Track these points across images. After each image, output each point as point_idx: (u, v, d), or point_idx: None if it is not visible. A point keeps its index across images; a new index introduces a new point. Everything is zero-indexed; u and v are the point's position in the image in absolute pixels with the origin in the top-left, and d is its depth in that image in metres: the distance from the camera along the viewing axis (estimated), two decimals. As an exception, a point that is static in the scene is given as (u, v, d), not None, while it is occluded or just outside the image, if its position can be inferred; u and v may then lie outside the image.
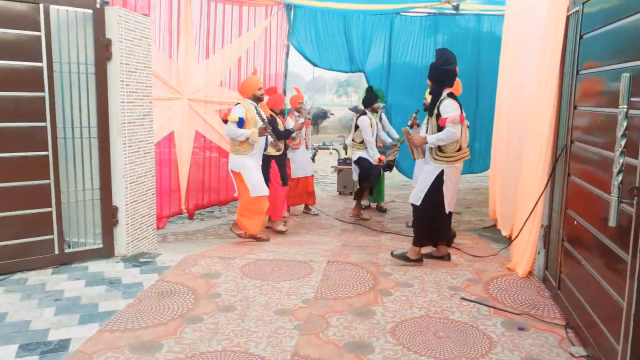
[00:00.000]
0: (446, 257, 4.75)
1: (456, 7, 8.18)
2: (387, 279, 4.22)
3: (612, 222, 2.23)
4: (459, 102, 4.45)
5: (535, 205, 4.05)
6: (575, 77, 3.50)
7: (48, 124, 4.24)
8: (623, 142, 2.19)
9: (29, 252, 4.27)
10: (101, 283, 4.06)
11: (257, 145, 5.33)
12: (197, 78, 6.71)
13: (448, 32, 8.44)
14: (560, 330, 3.27)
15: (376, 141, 6.68)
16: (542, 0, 4.26)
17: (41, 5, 4.11)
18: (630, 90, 2.18)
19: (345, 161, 8.55)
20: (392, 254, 4.67)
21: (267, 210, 5.65)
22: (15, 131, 4.14)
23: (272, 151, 5.73)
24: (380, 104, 6.91)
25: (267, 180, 5.69)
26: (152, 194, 5.13)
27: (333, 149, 11.46)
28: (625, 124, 2.19)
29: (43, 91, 4.19)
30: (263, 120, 5.38)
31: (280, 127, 6.06)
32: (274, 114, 6.04)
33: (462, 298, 3.81)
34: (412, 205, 4.67)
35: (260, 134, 5.29)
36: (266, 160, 5.71)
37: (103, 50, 4.45)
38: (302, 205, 7.33)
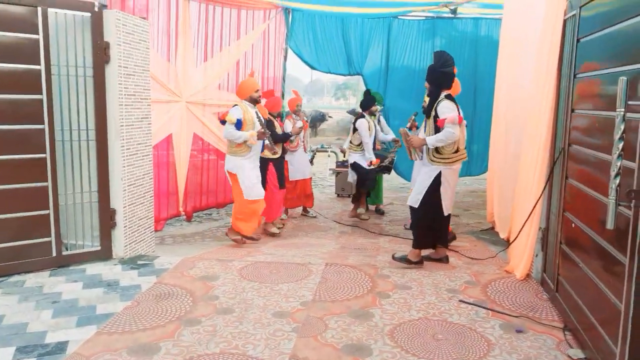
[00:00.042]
0: (444, 260, 4.75)
1: (454, 11, 8.21)
2: (385, 282, 4.22)
3: (609, 225, 2.23)
4: (456, 104, 4.46)
5: (534, 208, 4.06)
6: (573, 80, 3.51)
7: (46, 126, 4.24)
8: (620, 145, 2.20)
9: (27, 255, 4.26)
10: (99, 285, 4.05)
11: (254, 147, 5.33)
12: (195, 81, 6.71)
13: (446, 36, 8.47)
14: (558, 332, 3.28)
15: (375, 144, 6.70)
16: (539, 4, 4.27)
17: (39, 9, 4.11)
18: (628, 94, 2.19)
19: (343, 164, 8.56)
20: (393, 257, 4.68)
21: (263, 211, 5.64)
22: (13, 134, 4.13)
23: (268, 154, 5.74)
24: (378, 107, 6.93)
25: (264, 182, 5.69)
26: (150, 197, 5.13)
27: (331, 151, 11.47)
28: (622, 127, 2.20)
29: (41, 94, 4.19)
30: (261, 122, 5.39)
31: (278, 130, 6.06)
32: (271, 117, 6.04)
33: (460, 300, 3.81)
34: (411, 207, 4.68)
35: (259, 138, 5.30)
36: (264, 162, 5.72)
37: (101, 53, 4.45)
38: (300, 208, 7.33)
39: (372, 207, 7.53)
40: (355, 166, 6.70)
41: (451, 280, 4.28)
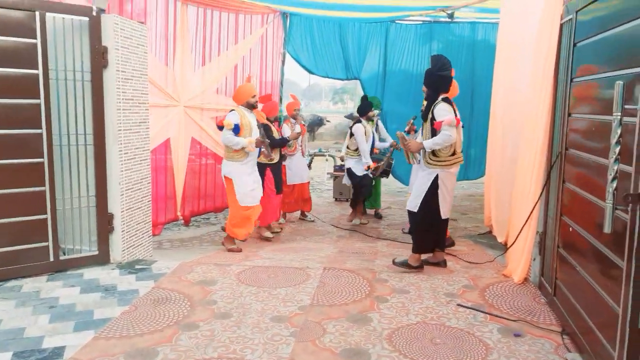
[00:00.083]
0: (442, 264, 4.75)
1: (451, 15, 8.25)
2: (383, 286, 4.22)
3: (607, 229, 2.24)
4: (453, 106, 4.46)
5: (531, 212, 4.06)
6: (569, 84, 3.52)
7: (44, 131, 4.23)
8: (617, 149, 2.21)
9: (24, 259, 4.25)
10: (96, 290, 4.04)
11: (252, 153, 5.33)
12: (193, 85, 6.72)
13: (443, 40, 8.50)
14: (556, 336, 3.28)
15: (372, 149, 6.69)
16: (536, 8, 4.29)
17: (37, 13, 4.11)
18: (624, 98, 2.20)
19: (340, 168, 8.56)
20: (393, 262, 4.67)
21: (258, 215, 5.64)
22: (11, 138, 4.13)
23: (263, 159, 5.74)
24: (375, 112, 6.94)
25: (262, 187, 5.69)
26: (148, 201, 5.12)
27: (329, 155, 11.48)
28: (619, 131, 2.21)
29: (39, 98, 4.19)
30: (260, 128, 5.39)
31: (276, 135, 6.07)
32: (268, 122, 6.05)
33: (458, 304, 3.81)
34: (409, 212, 4.68)
35: (257, 146, 5.30)
36: (261, 167, 5.72)
37: (99, 58, 4.45)
38: (298, 212, 7.33)
39: (370, 212, 7.53)
40: (350, 173, 6.71)
41: (449, 284, 4.28)
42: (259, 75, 7.91)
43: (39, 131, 4.22)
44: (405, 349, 3.09)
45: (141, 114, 4.90)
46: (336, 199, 8.82)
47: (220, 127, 5.26)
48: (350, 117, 10.71)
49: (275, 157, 6.00)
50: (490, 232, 6.17)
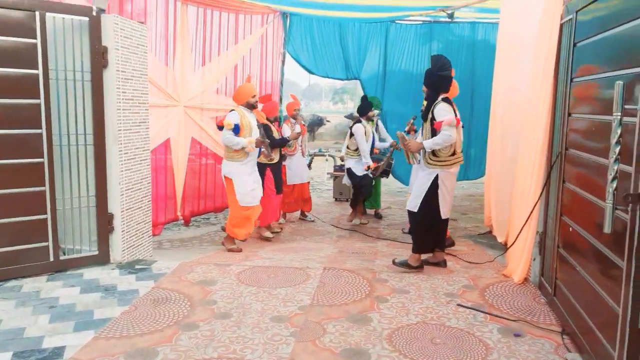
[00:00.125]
0: (442, 264, 4.75)
1: (451, 15, 8.25)
2: (383, 286, 4.22)
3: (607, 229, 2.24)
4: (453, 106, 4.45)
5: (531, 212, 4.06)
6: (569, 84, 3.53)
7: (44, 131, 4.24)
8: (617, 149, 2.21)
9: (24, 259, 4.25)
10: (96, 290, 4.04)
11: (252, 153, 5.33)
12: (193, 85, 6.72)
13: (443, 40, 8.50)
14: (556, 336, 3.28)
15: (372, 149, 6.69)
16: (536, 8, 4.29)
17: (37, 13, 4.11)
18: (624, 98, 2.20)
19: (341, 168, 8.56)
20: (393, 262, 4.67)
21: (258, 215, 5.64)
22: (11, 138, 4.13)
23: (263, 159, 5.74)
24: (375, 112, 6.93)
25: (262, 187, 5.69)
26: (148, 201, 5.12)
27: (329, 155, 11.48)
28: (619, 131, 2.21)
29: (39, 98, 4.19)
30: (260, 128, 5.39)
31: (275, 135, 6.07)
32: (268, 122, 6.05)
33: (458, 304, 3.81)
34: (409, 212, 4.67)
35: (257, 146, 5.30)
36: (261, 167, 5.72)
37: (99, 58, 4.45)
38: (298, 212, 7.33)
39: (370, 211, 7.53)
40: (350, 173, 6.71)
41: (449, 284, 4.28)
42: (259, 75, 7.91)
43: (39, 131, 4.22)
44: (405, 349, 3.09)
45: (141, 114, 4.90)
46: (336, 199, 8.82)
47: (220, 127, 5.26)
48: (350, 117, 10.71)
49: (275, 157, 6.00)
50: (490, 232, 6.17)
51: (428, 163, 4.48)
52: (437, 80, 4.47)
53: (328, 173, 10.45)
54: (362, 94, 7.89)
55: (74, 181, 4.51)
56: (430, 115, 4.45)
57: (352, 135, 6.62)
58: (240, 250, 5.40)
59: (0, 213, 4.12)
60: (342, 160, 7.41)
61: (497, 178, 5.87)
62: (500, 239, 5.48)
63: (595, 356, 2.72)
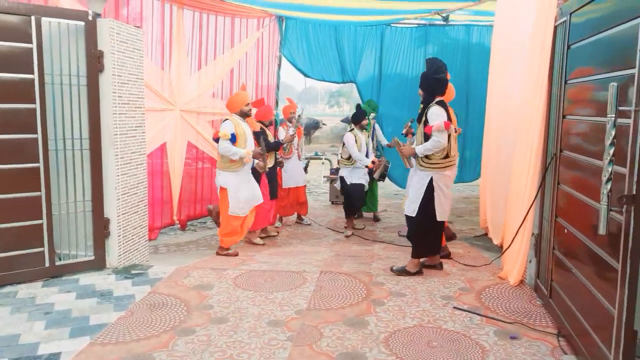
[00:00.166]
0: (438, 267, 4.75)
1: (446, 18, 8.28)
2: (380, 289, 4.22)
3: (602, 230, 2.25)
4: (446, 109, 4.45)
5: (526, 214, 4.07)
6: (564, 86, 3.54)
7: (39, 135, 4.22)
8: (612, 151, 2.22)
9: (19, 265, 4.23)
10: (92, 295, 4.03)
11: (248, 162, 5.33)
12: (189, 89, 6.72)
13: (438, 43, 8.53)
14: (552, 338, 3.28)
15: (367, 156, 6.56)
16: (530, 10, 4.32)
17: (33, 18, 4.11)
18: (618, 99, 2.21)
19: (337, 171, 8.55)
20: (391, 269, 4.66)
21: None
22: (6, 143, 4.11)
23: (258, 169, 5.68)
24: (371, 115, 6.91)
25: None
26: (144, 206, 5.11)
27: (325, 159, 11.49)
28: (613, 132, 2.22)
29: (34, 103, 4.18)
30: (261, 141, 5.38)
31: (271, 139, 6.07)
32: (263, 126, 6.04)
33: (454, 307, 3.81)
34: (407, 216, 4.66)
35: (255, 157, 5.30)
36: (257, 172, 5.70)
37: (95, 62, 4.45)
38: (295, 216, 7.32)
39: (368, 215, 7.52)
40: (342, 181, 6.61)
41: (445, 287, 4.28)
42: (255, 79, 7.91)
43: (34, 136, 4.21)
44: (402, 352, 3.09)
45: (137, 118, 4.90)
46: (332, 202, 8.82)
47: (217, 140, 5.23)
48: (346, 120, 10.70)
49: (270, 163, 5.98)
50: (486, 234, 6.18)
51: (421, 166, 4.48)
52: (432, 83, 4.48)
53: (324, 176, 10.46)
54: (358, 96, 7.88)
55: (69, 186, 4.49)
56: (424, 118, 4.45)
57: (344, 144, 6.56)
58: (237, 254, 5.39)
59: (-5, 218, 4.11)
60: (338, 162, 7.35)
61: (492, 180, 5.88)
62: (496, 241, 5.49)
63: (591, 358, 2.73)
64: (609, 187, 2.23)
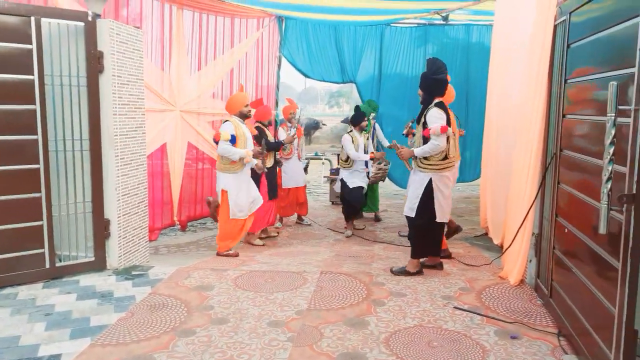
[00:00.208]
0: (439, 267, 4.75)
1: (445, 18, 8.28)
2: (380, 289, 4.21)
3: (602, 230, 2.25)
4: (446, 111, 4.44)
5: (527, 214, 4.07)
6: (564, 85, 3.54)
7: (39, 136, 4.22)
8: (612, 150, 2.22)
9: (20, 266, 4.23)
10: (93, 297, 4.03)
11: (247, 163, 5.33)
12: (189, 90, 6.71)
13: (438, 43, 8.53)
14: (552, 338, 3.28)
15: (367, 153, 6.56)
16: (529, 10, 4.31)
17: (32, 19, 4.11)
18: (618, 98, 2.21)
19: (337, 171, 8.55)
20: (391, 270, 4.66)
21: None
22: (6, 144, 4.11)
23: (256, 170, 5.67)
24: (371, 115, 6.90)
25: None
26: (145, 206, 5.11)
27: (325, 159, 11.48)
28: (613, 131, 2.22)
29: (34, 104, 4.18)
30: (263, 142, 5.38)
31: (270, 139, 6.07)
32: (262, 126, 6.04)
33: (455, 307, 3.81)
34: (407, 217, 4.66)
35: (255, 157, 5.29)
36: (256, 173, 5.69)
37: (95, 63, 4.45)
38: (295, 216, 7.32)
39: (369, 215, 7.52)
40: (342, 183, 6.58)
41: (446, 287, 4.28)
42: (255, 79, 7.91)
43: (34, 137, 4.21)
44: (402, 353, 3.09)
45: (137, 119, 4.90)
46: (333, 203, 8.82)
47: (217, 142, 5.23)
48: (347, 121, 10.71)
49: (269, 162, 5.97)
50: (486, 234, 6.18)
51: (419, 167, 4.48)
52: (432, 83, 4.47)
53: (324, 177, 10.46)
54: (357, 97, 7.87)
55: (70, 187, 4.49)
56: (423, 120, 4.45)
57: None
58: (237, 255, 5.39)
59: (-5, 220, 4.11)
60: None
61: (492, 180, 5.88)
62: (496, 241, 5.48)
63: (592, 358, 2.72)
64: (609, 186, 2.23)
